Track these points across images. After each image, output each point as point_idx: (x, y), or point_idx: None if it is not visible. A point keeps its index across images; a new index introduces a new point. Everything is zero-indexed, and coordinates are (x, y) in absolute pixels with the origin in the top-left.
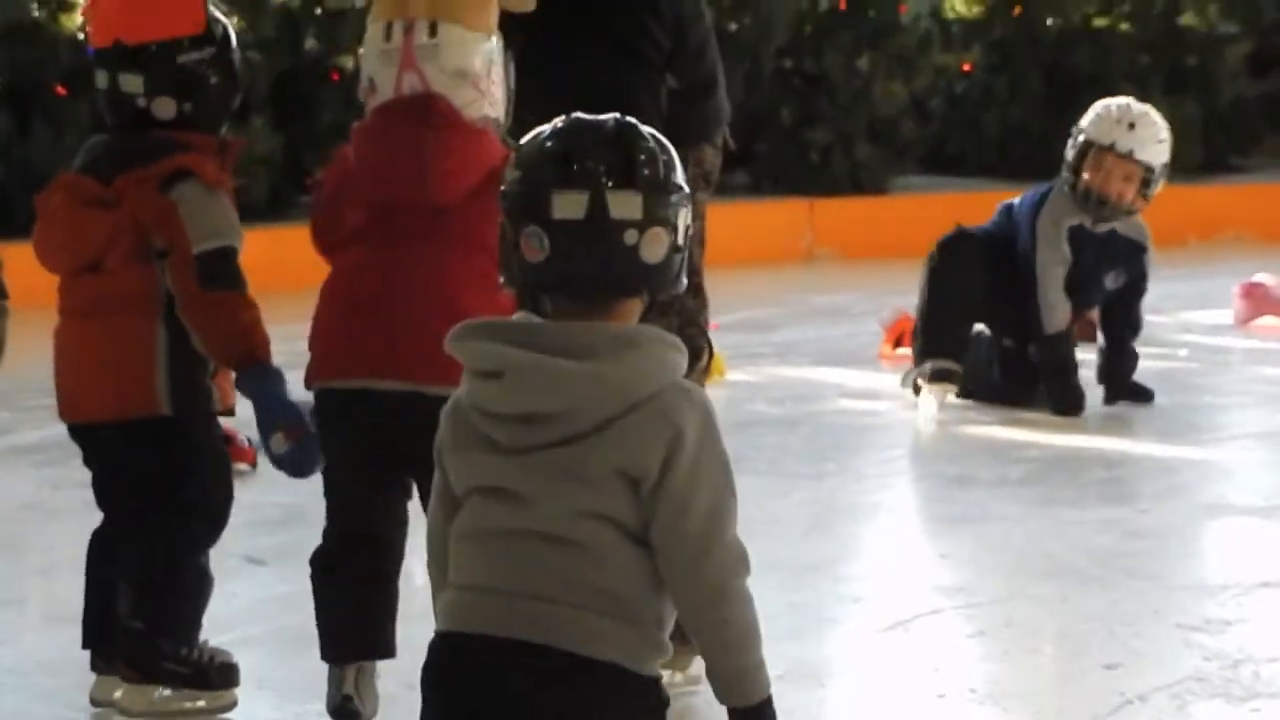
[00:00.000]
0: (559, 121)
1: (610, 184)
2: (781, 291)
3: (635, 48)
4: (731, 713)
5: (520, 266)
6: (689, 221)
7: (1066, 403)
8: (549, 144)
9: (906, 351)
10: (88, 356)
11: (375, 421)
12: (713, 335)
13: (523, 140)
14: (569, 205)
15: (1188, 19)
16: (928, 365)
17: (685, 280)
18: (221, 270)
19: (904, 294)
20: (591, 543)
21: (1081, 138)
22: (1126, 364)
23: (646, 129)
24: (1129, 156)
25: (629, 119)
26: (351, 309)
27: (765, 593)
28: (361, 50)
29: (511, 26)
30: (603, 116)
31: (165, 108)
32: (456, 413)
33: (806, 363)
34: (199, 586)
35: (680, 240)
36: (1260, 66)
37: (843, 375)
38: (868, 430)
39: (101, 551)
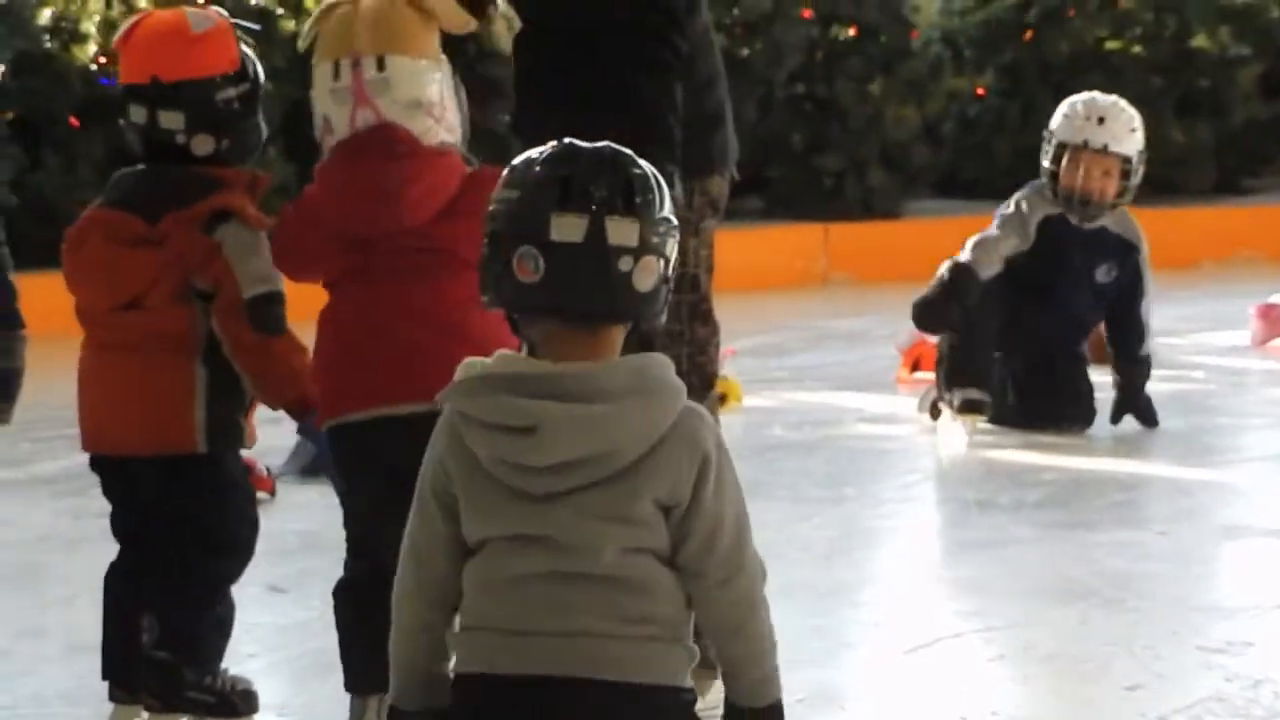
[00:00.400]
0: (554, 145)
1: (609, 210)
2: (797, 316)
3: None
4: (749, 713)
5: (512, 287)
6: (675, 254)
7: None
8: (547, 166)
9: (924, 375)
10: (124, 391)
11: (394, 446)
12: (729, 361)
13: (515, 161)
14: (568, 228)
15: (1199, 41)
16: (956, 396)
17: (666, 313)
18: (272, 315)
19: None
20: (636, 575)
21: (1054, 140)
22: (1137, 373)
23: (640, 159)
24: (1104, 151)
25: (623, 149)
26: (357, 342)
27: (786, 618)
28: (313, 91)
29: (517, 39)
30: (599, 144)
31: (204, 144)
32: (469, 468)
33: (823, 387)
34: (225, 617)
35: (668, 272)
36: (1272, 88)
37: (860, 400)
38: (886, 454)
39: (123, 584)
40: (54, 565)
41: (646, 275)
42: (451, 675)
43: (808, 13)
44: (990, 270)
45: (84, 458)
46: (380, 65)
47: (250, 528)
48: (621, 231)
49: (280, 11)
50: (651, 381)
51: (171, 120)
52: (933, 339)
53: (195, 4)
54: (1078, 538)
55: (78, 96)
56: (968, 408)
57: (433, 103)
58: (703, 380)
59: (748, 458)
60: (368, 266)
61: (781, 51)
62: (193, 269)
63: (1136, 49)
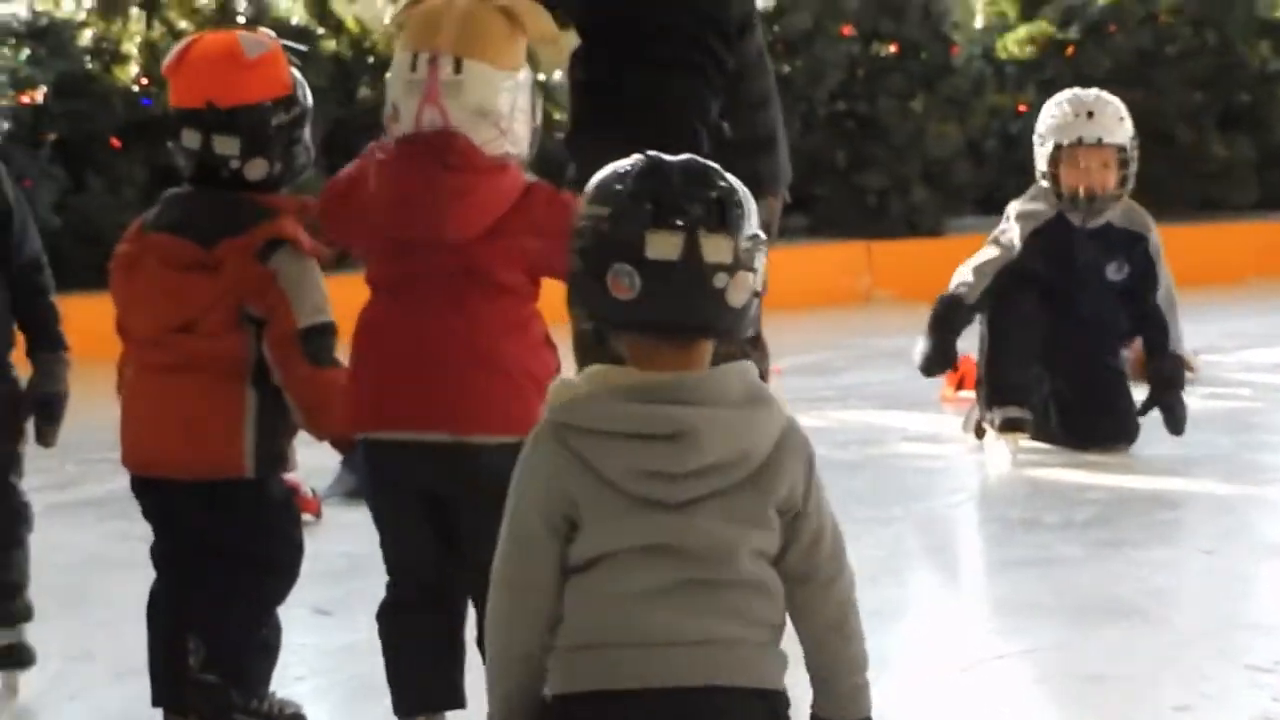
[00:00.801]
0: (641, 160)
1: (704, 227)
2: (841, 334)
3: (695, 64)
4: None
5: (607, 304)
6: (764, 268)
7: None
8: (638, 182)
9: (969, 394)
10: (174, 414)
11: (420, 471)
12: (775, 379)
13: (601, 176)
14: (664, 246)
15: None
16: (997, 415)
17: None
18: (325, 347)
19: (964, 337)
20: (763, 579)
21: (1048, 143)
22: (1165, 367)
23: (727, 173)
24: (1099, 144)
25: (709, 162)
26: (388, 362)
27: None
28: (388, 76)
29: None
30: (683, 157)
31: (257, 169)
32: (592, 484)
33: (869, 406)
34: (271, 640)
35: (760, 286)
36: None
37: (906, 418)
38: (932, 473)
39: (166, 607)
40: (101, 588)
41: (740, 291)
42: (549, 697)
43: (848, 30)
44: (979, 289)
45: (128, 479)
46: (457, 67)
47: (295, 550)
48: (716, 248)
49: (321, 31)
50: (759, 389)
51: (226, 145)
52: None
53: (237, 25)
54: (1123, 556)
55: (120, 118)
56: (1008, 426)
57: (501, 114)
58: None
59: None
60: (407, 279)
61: (823, 69)
62: (247, 296)
63: (1177, 63)
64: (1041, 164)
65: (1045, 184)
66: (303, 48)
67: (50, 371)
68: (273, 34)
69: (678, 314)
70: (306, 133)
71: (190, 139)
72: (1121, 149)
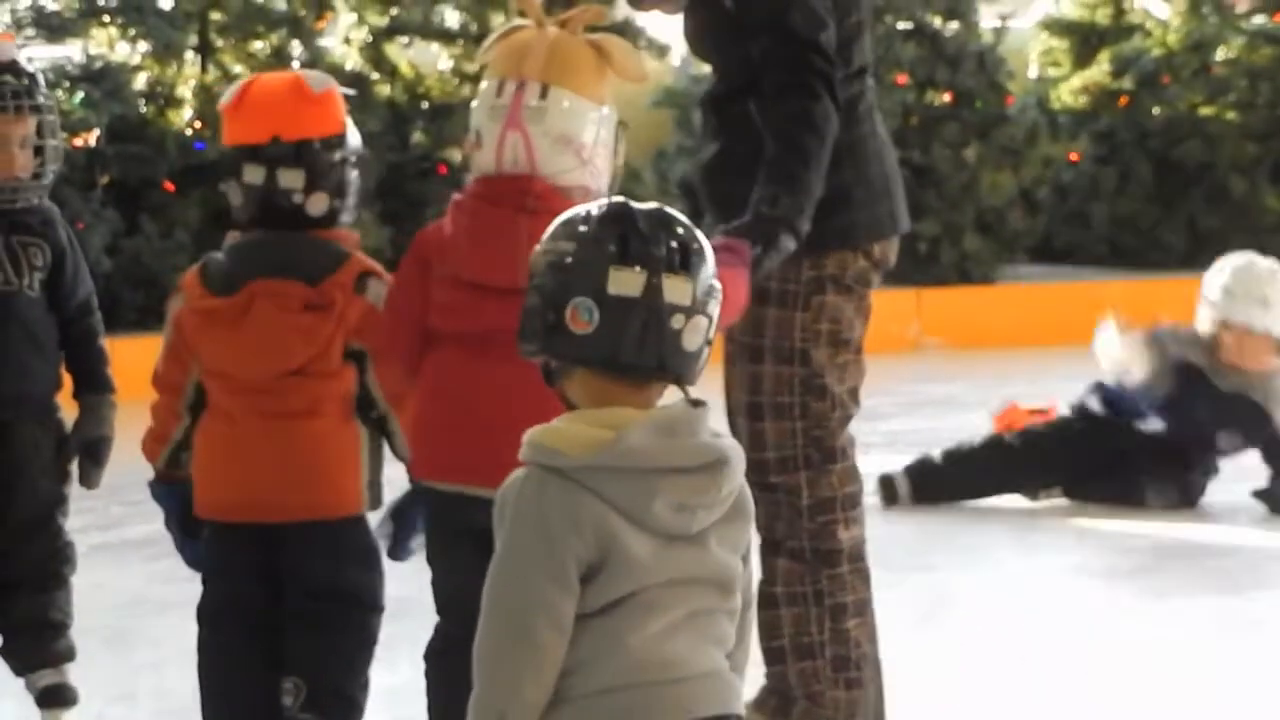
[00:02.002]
0: (610, 202)
1: (667, 269)
2: (890, 381)
3: (785, 76)
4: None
5: (563, 338)
6: (717, 317)
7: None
8: (603, 222)
9: None
10: (296, 458)
11: (473, 524)
12: None
13: (567, 215)
14: (626, 282)
15: None
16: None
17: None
18: None
19: (1013, 383)
20: (738, 610)
21: (1215, 314)
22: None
23: (689, 221)
24: (1267, 334)
25: (675, 212)
26: (456, 411)
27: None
28: (473, 104)
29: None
30: (650, 204)
31: (320, 204)
32: (619, 525)
33: (916, 453)
34: (369, 678)
35: (710, 334)
36: None
37: None
38: (977, 521)
39: (249, 652)
40: (144, 629)
41: (694, 335)
42: None
43: (903, 79)
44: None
45: None
46: (543, 94)
47: (383, 586)
48: (677, 290)
49: (376, 76)
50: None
51: (292, 179)
52: (1025, 406)
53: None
54: (1170, 604)
55: (173, 162)
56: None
57: (584, 143)
58: (823, 453)
59: None
60: (478, 330)
61: None
62: (351, 331)
63: (1231, 115)
64: (1205, 323)
65: (1203, 333)
66: (351, 91)
67: (97, 415)
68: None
69: (633, 352)
70: (356, 173)
71: (253, 174)
72: None
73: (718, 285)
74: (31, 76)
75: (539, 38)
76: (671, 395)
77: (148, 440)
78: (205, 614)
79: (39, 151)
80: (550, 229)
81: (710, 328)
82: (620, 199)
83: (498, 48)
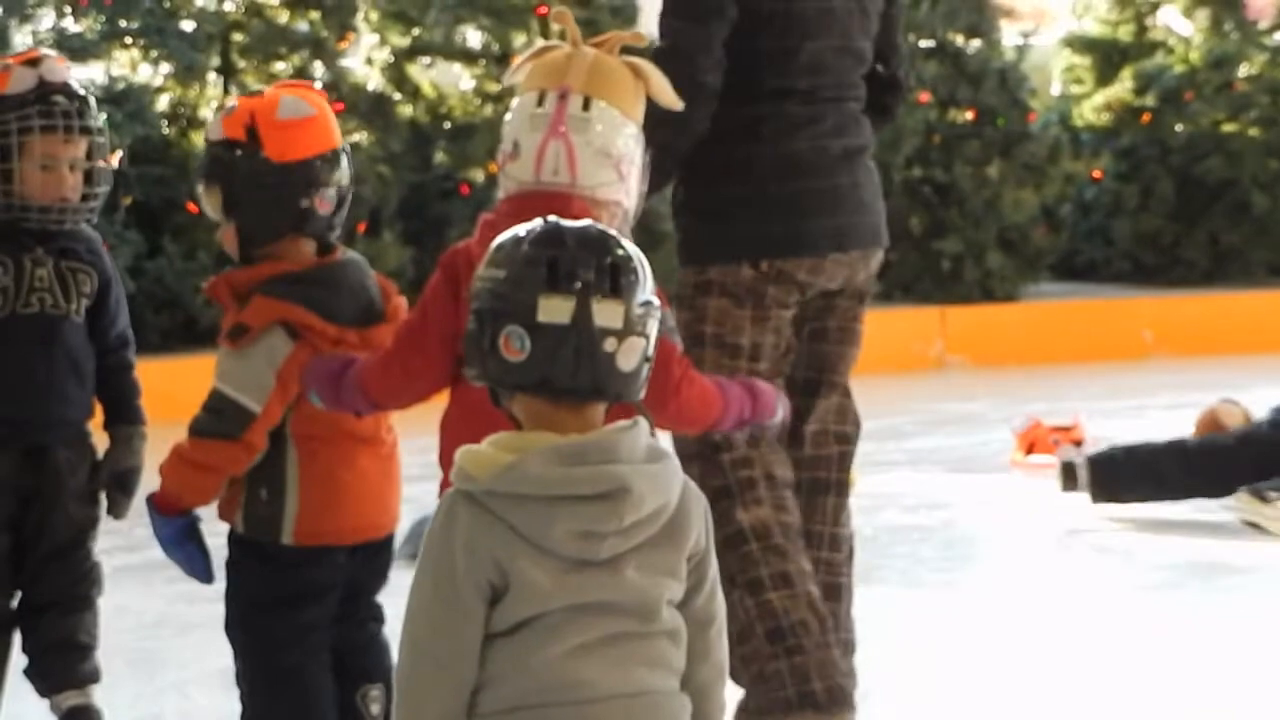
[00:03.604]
0: (541, 224)
1: (596, 293)
2: (913, 399)
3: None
4: None
5: (498, 365)
6: (656, 332)
7: None
8: (534, 247)
9: (1039, 459)
10: (391, 474)
11: None
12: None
13: (501, 239)
14: (555, 310)
15: None
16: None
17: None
18: None
19: (1035, 401)
20: (678, 627)
21: None
22: None
23: (625, 241)
24: None
25: (607, 228)
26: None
27: (900, 705)
28: (508, 116)
29: None
30: (584, 222)
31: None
32: (520, 549)
33: (939, 470)
34: None
35: (649, 350)
36: None
37: (976, 483)
38: (999, 539)
39: (322, 664)
40: (169, 651)
41: (630, 355)
42: None
43: (925, 97)
44: None
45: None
46: (586, 105)
47: None
48: (607, 314)
49: (398, 97)
50: (658, 444)
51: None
52: (1048, 423)
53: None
54: (1198, 618)
55: (196, 183)
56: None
57: (622, 157)
58: (710, 445)
59: (862, 542)
60: None
61: (899, 135)
62: None
63: (1254, 131)
64: None
65: None
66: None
67: (129, 446)
68: None
69: (566, 377)
70: None
71: (342, 175)
72: None
73: (655, 301)
74: (83, 99)
75: (579, 55)
76: None
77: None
78: (295, 639)
79: (89, 176)
80: (488, 253)
81: (649, 346)
82: (553, 220)
83: (533, 65)
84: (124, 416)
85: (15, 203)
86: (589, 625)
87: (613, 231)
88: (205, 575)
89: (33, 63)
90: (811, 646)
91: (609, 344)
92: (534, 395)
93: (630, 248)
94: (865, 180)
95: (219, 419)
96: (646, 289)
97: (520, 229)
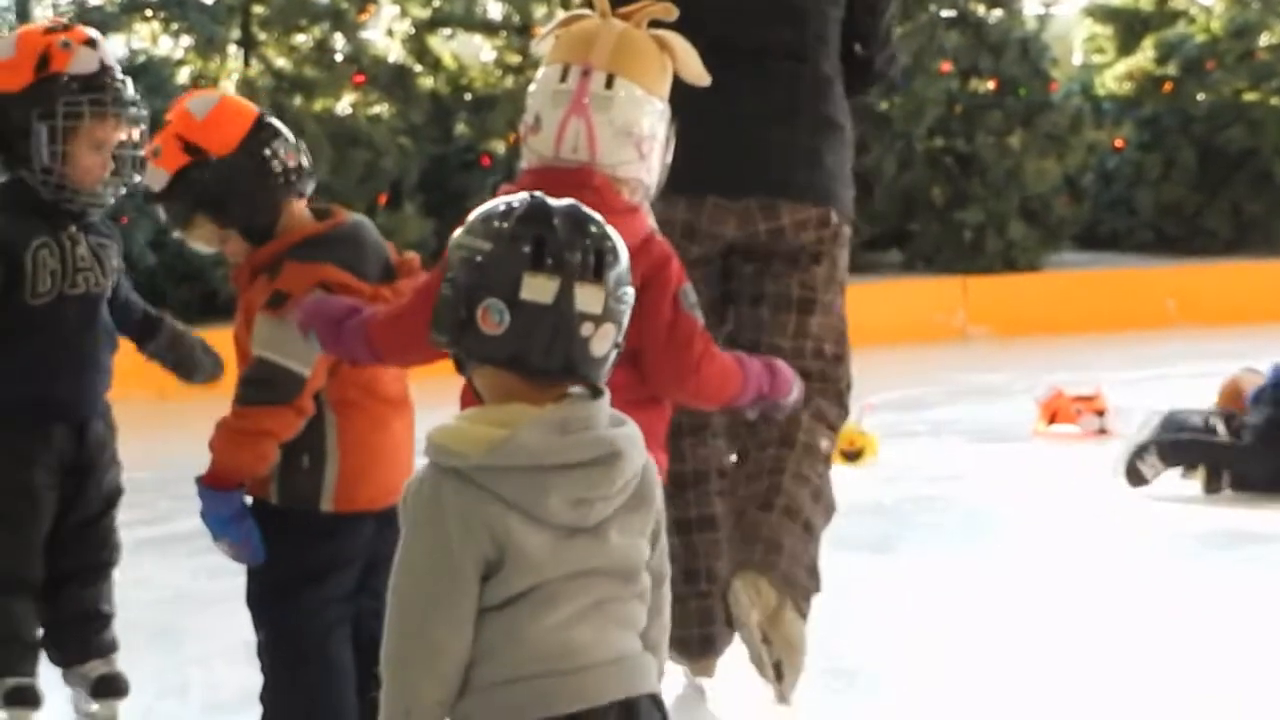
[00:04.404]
0: (528, 199)
1: (579, 276)
2: (935, 370)
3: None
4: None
5: (473, 335)
6: (627, 320)
7: None
8: (520, 223)
9: (1061, 429)
10: (409, 440)
11: None
12: (867, 415)
13: (485, 210)
14: (539, 289)
15: None
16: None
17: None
18: None
19: (1057, 371)
20: (646, 589)
21: None
22: None
23: (608, 224)
24: None
25: (591, 210)
26: None
27: (919, 675)
28: (531, 88)
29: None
30: (566, 202)
31: None
32: (517, 522)
33: (960, 441)
34: None
35: (619, 338)
36: None
37: (998, 453)
38: (1022, 508)
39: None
40: (191, 624)
41: (603, 341)
42: None
43: (947, 67)
44: None
45: None
46: (609, 83)
47: None
48: (589, 298)
49: (419, 69)
50: (615, 411)
51: None
52: (1070, 393)
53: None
54: (1218, 593)
55: None
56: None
57: (643, 136)
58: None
59: (882, 512)
60: None
61: (922, 106)
62: None
63: (1276, 100)
64: None
65: None
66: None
67: (178, 333)
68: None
69: (541, 356)
70: None
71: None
72: None
73: (630, 289)
74: (125, 81)
75: (606, 28)
76: None
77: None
78: (319, 612)
79: (119, 159)
80: (468, 221)
81: (619, 333)
82: (539, 196)
83: (560, 35)
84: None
85: (65, 184)
86: (580, 592)
87: (595, 215)
88: (259, 553)
89: (91, 43)
90: (717, 593)
91: (586, 328)
92: (503, 369)
93: (611, 232)
94: (785, 138)
95: (269, 388)
96: (624, 275)
97: (504, 201)
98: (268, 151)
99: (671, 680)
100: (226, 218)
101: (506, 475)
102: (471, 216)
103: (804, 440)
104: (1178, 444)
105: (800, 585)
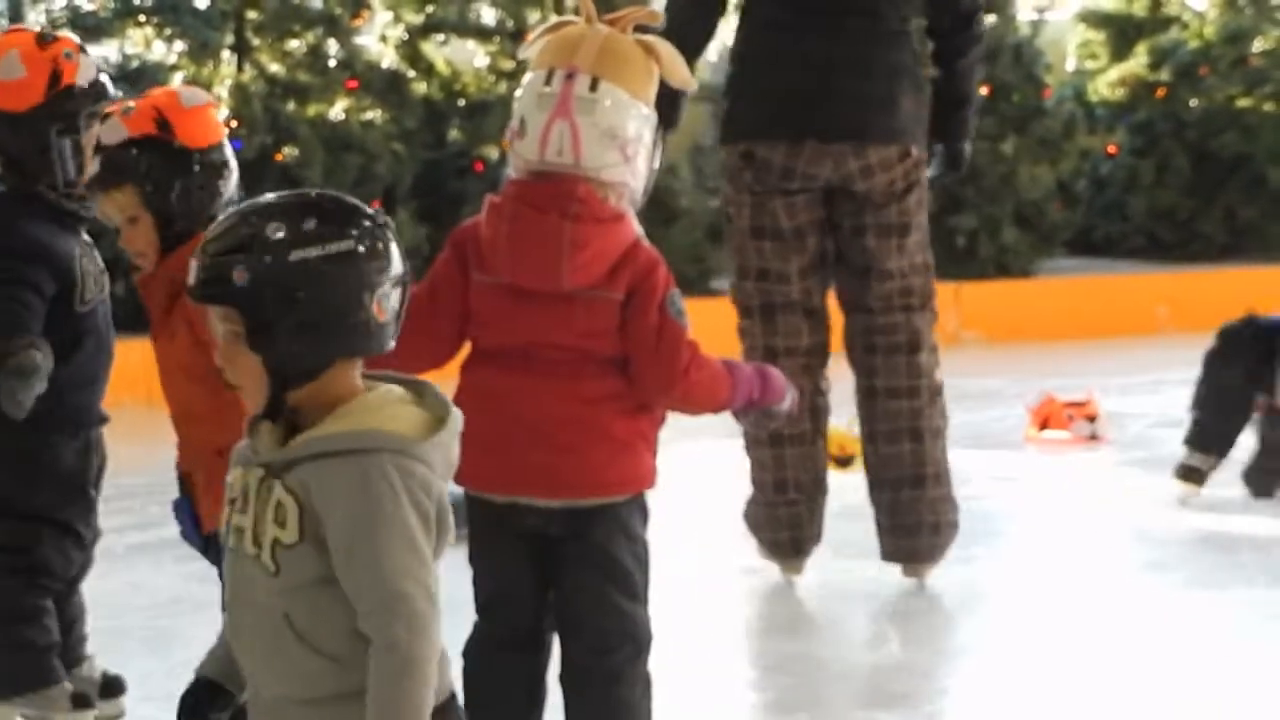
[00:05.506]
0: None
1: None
2: None
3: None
4: None
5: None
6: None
7: None
8: (357, 214)
9: (1053, 434)
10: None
11: (527, 533)
12: (856, 420)
13: (305, 224)
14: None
15: None
16: (1181, 460)
17: None
18: None
19: (1050, 377)
20: None
21: None
22: None
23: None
24: None
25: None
26: (499, 430)
27: (912, 677)
28: (517, 94)
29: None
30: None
31: None
32: (444, 491)
33: (953, 446)
34: None
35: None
36: None
37: (989, 458)
38: (1014, 514)
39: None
40: (182, 629)
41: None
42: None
43: None
44: None
45: None
46: (593, 86)
47: None
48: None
49: (412, 74)
50: None
51: None
52: (1062, 399)
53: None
54: (1209, 597)
55: None
56: (1185, 475)
57: (628, 139)
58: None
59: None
60: (518, 346)
61: None
62: None
63: (1269, 106)
64: None
65: None
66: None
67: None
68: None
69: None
70: None
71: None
72: None
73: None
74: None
75: (591, 32)
76: None
77: None
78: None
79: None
80: (302, 235)
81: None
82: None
83: (546, 40)
84: None
85: (85, 194)
86: None
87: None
88: None
89: (83, 49)
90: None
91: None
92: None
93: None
94: (867, 88)
95: None
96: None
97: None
98: (226, 170)
99: (767, 575)
100: (157, 200)
101: (438, 450)
102: (303, 230)
103: (926, 384)
104: None
105: (951, 542)
